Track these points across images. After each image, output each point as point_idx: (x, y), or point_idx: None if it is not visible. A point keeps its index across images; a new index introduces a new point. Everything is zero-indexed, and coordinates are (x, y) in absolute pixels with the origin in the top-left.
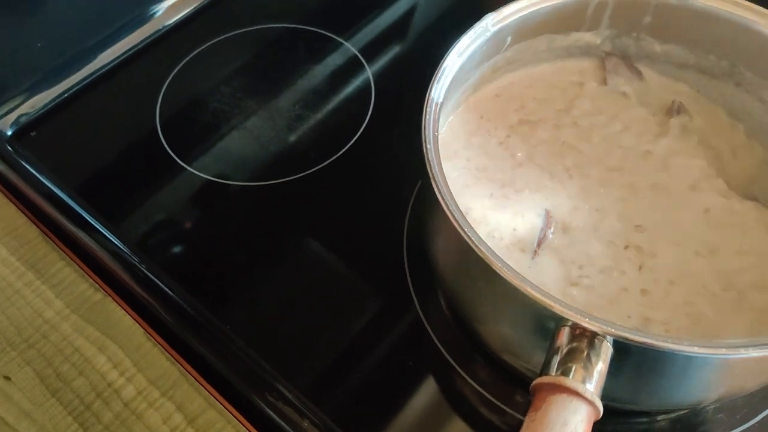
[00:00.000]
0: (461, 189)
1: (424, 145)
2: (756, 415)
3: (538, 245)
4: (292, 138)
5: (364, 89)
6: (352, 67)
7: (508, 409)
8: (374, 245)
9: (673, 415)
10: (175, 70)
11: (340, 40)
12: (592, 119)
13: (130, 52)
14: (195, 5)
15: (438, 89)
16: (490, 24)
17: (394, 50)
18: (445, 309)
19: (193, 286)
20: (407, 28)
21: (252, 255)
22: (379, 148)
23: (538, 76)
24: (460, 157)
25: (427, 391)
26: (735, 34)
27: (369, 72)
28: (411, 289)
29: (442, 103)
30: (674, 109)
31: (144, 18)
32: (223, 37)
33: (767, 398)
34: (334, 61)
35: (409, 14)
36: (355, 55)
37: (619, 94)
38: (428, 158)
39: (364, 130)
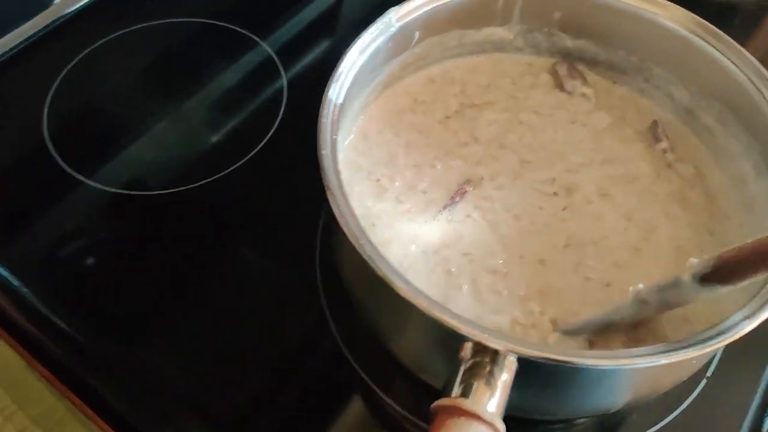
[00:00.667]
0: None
1: (319, 150)
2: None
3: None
4: (198, 143)
5: (277, 89)
6: (265, 67)
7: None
8: (286, 262)
9: (592, 418)
10: (66, 69)
11: (255, 38)
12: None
13: (14, 51)
14: None
15: (336, 89)
16: (393, 19)
17: (312, 50)
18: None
19: (86, 311)
20: (327, 27)
21: (155, 277)
22: (290, 151)
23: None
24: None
25: (350, 417)
26: (639, 28)
27: (282, 72)
28: (326, 308)
29: (342, 104)
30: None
31: (31, 9)
32: (125, 30)
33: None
34: (247, 60)
35: (331, 12)
36: (270, 55)
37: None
38: (323, 165)
39: (274, 132)
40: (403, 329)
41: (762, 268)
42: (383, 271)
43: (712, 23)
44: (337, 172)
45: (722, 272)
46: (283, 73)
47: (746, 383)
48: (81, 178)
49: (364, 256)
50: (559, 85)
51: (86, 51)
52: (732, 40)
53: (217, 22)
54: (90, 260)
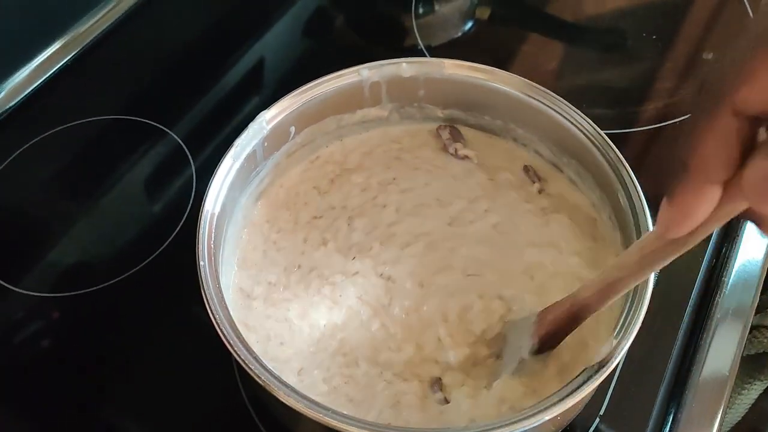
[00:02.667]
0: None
1: (198, 261)
2: None
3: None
4: (115, 239)
5: (187, 178)
6: (174, 156)
7: None
8: (204, 362)
9: None
10: None
11: (163, 128)
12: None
13: None
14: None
15: (212, 200)
16: (264, 122)
17: (218, 135)
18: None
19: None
20: (229, 111)
21: (82, 379)
22: None
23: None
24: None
25: None
26: (488, 96)
27: (191, 159)
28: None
29: (220, 213)
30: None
31: None
32: (43, 135)
33: None
34: (157, 151)
35: (233, 98)
36: (179, 144)
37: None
38: (200, 276)
39: (185, 219)
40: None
41: (574, 327)
42: (262, 378)
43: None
44: (217, 281)
45: (546, 344)
46: (191, 160)
47: (640, 419)
48: (7, 285)
49: (242, 362)
50: (443, 148)
51: (6, 162)
52: (561, 99)
53: (127, 117)
54: (17, 363)
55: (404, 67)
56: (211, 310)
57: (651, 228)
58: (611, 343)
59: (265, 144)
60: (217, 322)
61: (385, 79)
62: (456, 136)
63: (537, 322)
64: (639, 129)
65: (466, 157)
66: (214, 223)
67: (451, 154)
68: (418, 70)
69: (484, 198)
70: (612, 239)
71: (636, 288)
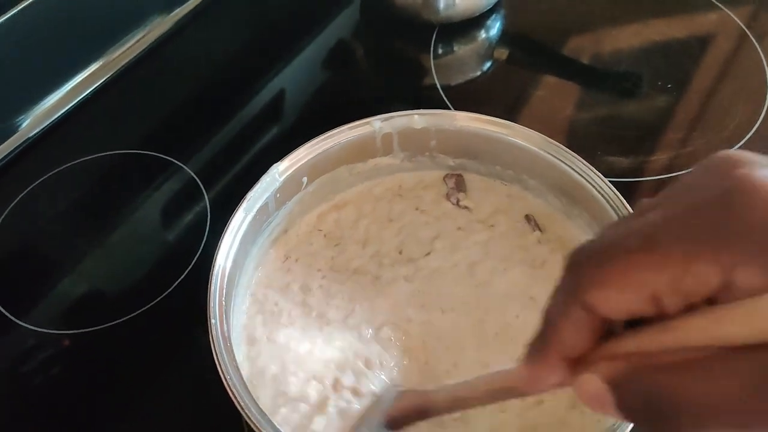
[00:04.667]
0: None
1: (209, 319)
2: None
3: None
4: (126, 275)
5: (201, 214)
6: (189, 191)
7: None
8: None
9: None
10: (3, 215)
11: (178, 163)
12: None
13: None
14: (19, 143)
15: (224, 255)
16: (277, 174)
17: (231, 170)
18: None
19: None
20: (244, 146)
21: (99, 411)
22: None
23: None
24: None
25: None
26: (501, 147)
27: (206, 195)
28: None
29: (231, 267)
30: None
31: None
32: (59, 169)
33: None
34: (171, 186)
35: (251, 129)
36: (193, 178)
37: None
38: (211, 334)
39: (198, 258)
40: None
41: (418, 420)
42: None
43: None
44: (227, 342)
45: (392, 424)
46: (205, 193)
47: None
48: (16, 320)
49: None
50: (446, 196)
51: (23, 193)
52: (577, 156)
53: (140, 151)
54: (22, 399)
55: (416, 119)
56: (223, 372)
57: None
58: None
59: (278, 195)
60: (228, 383)
61: (397, 130)
62: (460, 185)
63: (396, 399)
64: (650, 178)
65: (465, 208)
66: (226, 277)
67: (452, 203)
68: (429, 122)
69: (475, 248)
70: None
71: None
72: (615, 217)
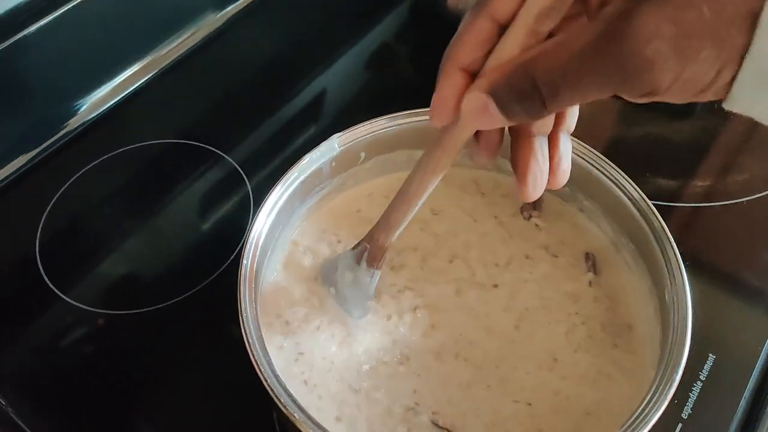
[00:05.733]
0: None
1: (239, 288)
2: None
3: None
4: (169, 260)
5: (244, 203)
6: (232, 181)
7: None
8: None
9: None
10: (57, 195)
11: (221, 153)
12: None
13: (10, 178)
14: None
15: (259, 226)
16: (336, 144)
17: (275, 163)
18: None
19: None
20: (285, 141)
21: (131, 394)
22: None
23: None
24: None
25: None
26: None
27: (248, 185)
28: None
29: (263, 243)
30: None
31: (23, 143)
32: (106, 156)
33: None
34: (214, 175)
35: (292, 126)
36: (236, 169)
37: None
38: (242, 306)
39: (238, 251)
40: None
41: None
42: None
43: None
44: (256, 312)
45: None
46: (248, 183)
47: (723, 421)
48: (61, 294)
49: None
50: (521, 209)
51: (76, 175)
52: (628, 178)
53: (185, 141)
54: (67, 376)
55: None
56: (254, 357)
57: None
58: None
59: (333, 164)
60: (260, 369)
61: None
62: (537, 202)
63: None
64: (691, 205)
65: (536, 226)
66: (258, 251)
67: (524, 217)
68: None
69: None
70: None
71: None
72: (660, 258)
